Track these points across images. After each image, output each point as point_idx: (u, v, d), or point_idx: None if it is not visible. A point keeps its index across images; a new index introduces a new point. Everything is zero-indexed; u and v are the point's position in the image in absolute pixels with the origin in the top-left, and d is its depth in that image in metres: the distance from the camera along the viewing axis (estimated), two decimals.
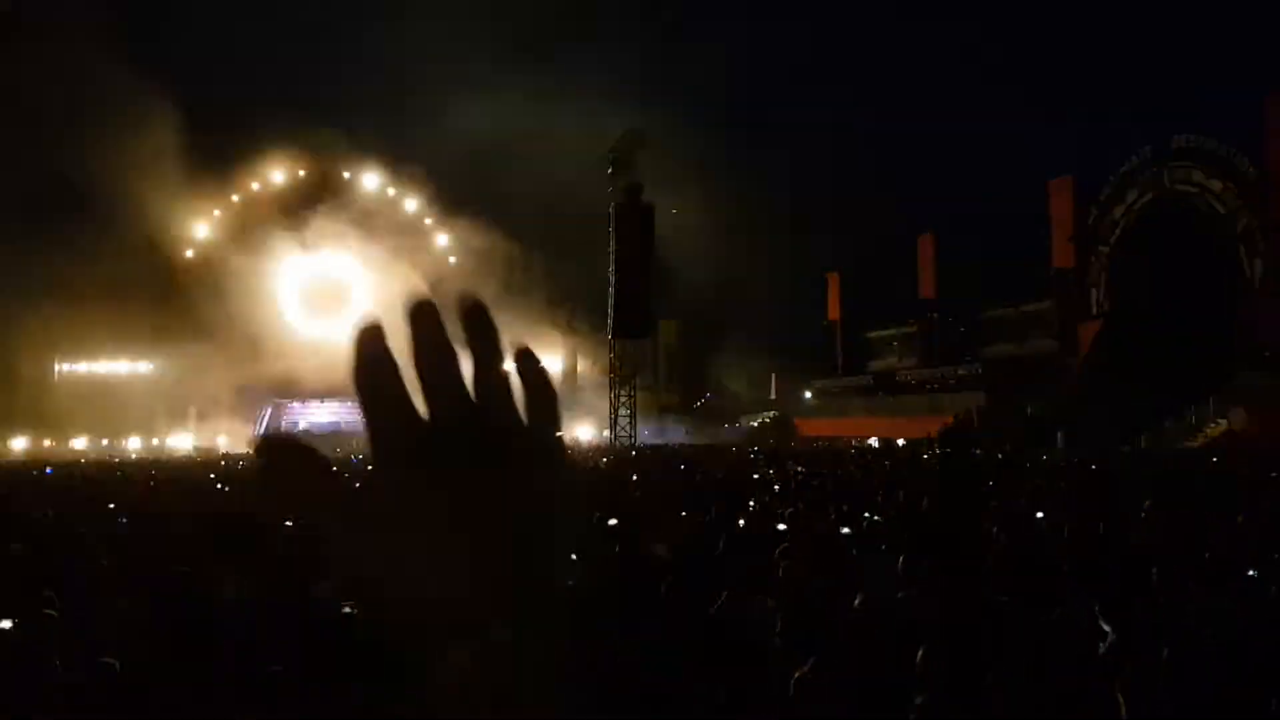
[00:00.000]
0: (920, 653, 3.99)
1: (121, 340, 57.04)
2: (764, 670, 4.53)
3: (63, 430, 53.20)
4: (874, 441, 46.53)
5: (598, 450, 44.16)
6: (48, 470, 28.70)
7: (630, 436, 54.04)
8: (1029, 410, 43.59)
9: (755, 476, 21.29)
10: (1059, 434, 35.28)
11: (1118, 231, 48.55)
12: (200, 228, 58.82)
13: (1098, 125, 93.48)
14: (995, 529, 9.02)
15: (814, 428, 56.10)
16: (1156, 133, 47.48)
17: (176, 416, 57.29)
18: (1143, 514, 10.33)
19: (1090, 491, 14.32)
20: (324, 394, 60.62)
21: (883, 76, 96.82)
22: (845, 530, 10.79)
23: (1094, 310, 49.37)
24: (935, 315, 59.86)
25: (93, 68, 47.00)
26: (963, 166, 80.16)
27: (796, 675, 4.24)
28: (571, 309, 62.33)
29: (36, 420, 53.82)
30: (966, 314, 57.92)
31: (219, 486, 20.74)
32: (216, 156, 57.30)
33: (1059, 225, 51.09)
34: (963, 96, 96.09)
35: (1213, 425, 37.26)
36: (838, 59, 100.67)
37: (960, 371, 54.40)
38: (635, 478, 22.06)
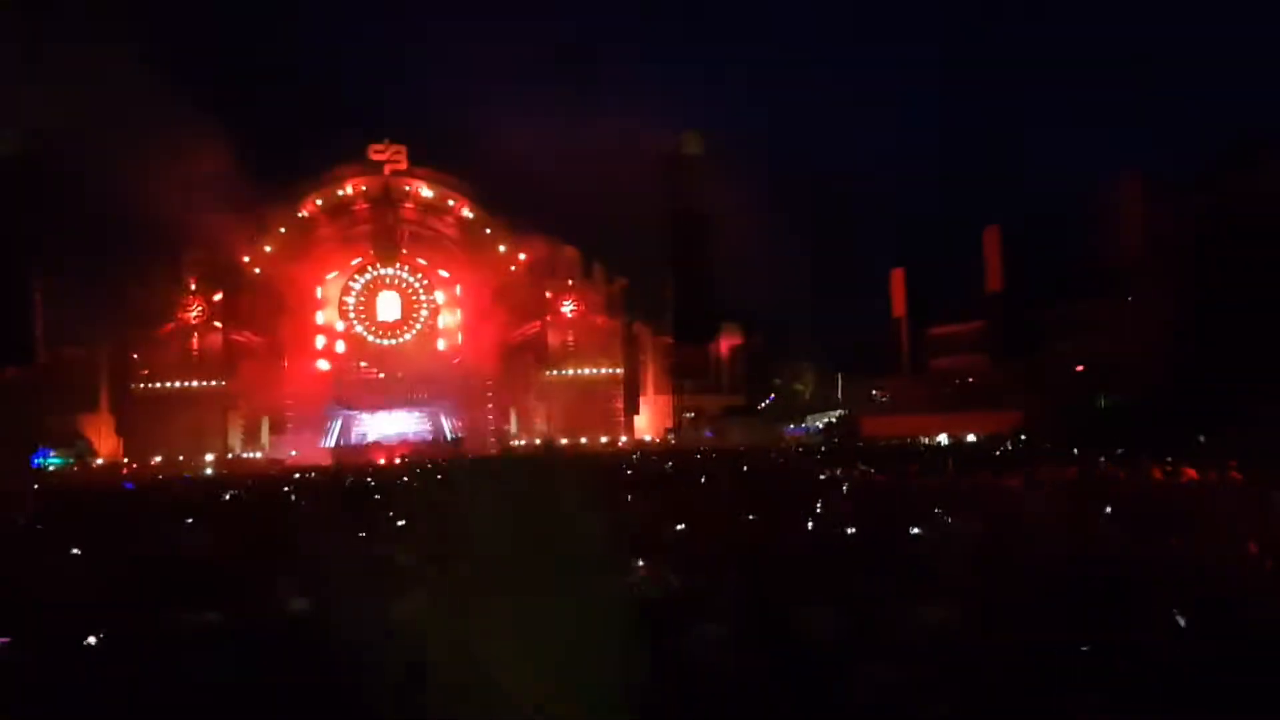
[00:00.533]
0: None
1: (195, 360, 58.35)
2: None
3: (141, 448, 54.48)
4: (943, 439, 46.02)
5: (662, 452, 44.22)
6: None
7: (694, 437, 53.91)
8: (1100, 404, 42.76)
9: (822, 477, 21.16)
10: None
11: (1188, 228, 47.39)
12: (266, 246, 59.86)
13: (1170, 121, 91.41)
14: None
15: (880, 426, 55.48)
16: (1229, 129, 46.29)
17: (250, 431, 58.44)
18: None
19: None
20: (391, 405, 61.48)
21: (948, 69, 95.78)
22: (916, 531, 10.70)
23: (1164, 308, 48.23)
24: (1001, 311, 58.93)
25: (154, 96, 48.12)
26: (1031, 160, 78.94)
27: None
28: (634, 314, 62.45)
29: (119, 438, 55.28)
30: (1035, 309, 56.92)
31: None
32: (279, 174, 58.30)
33: (1129, 220, 50.03)
34: (1031, 89, 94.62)
35: None
36: (900, 52, 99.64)
37: (1028, 367, 53.48)
38: (704, 480, 22.06)
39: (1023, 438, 40.08)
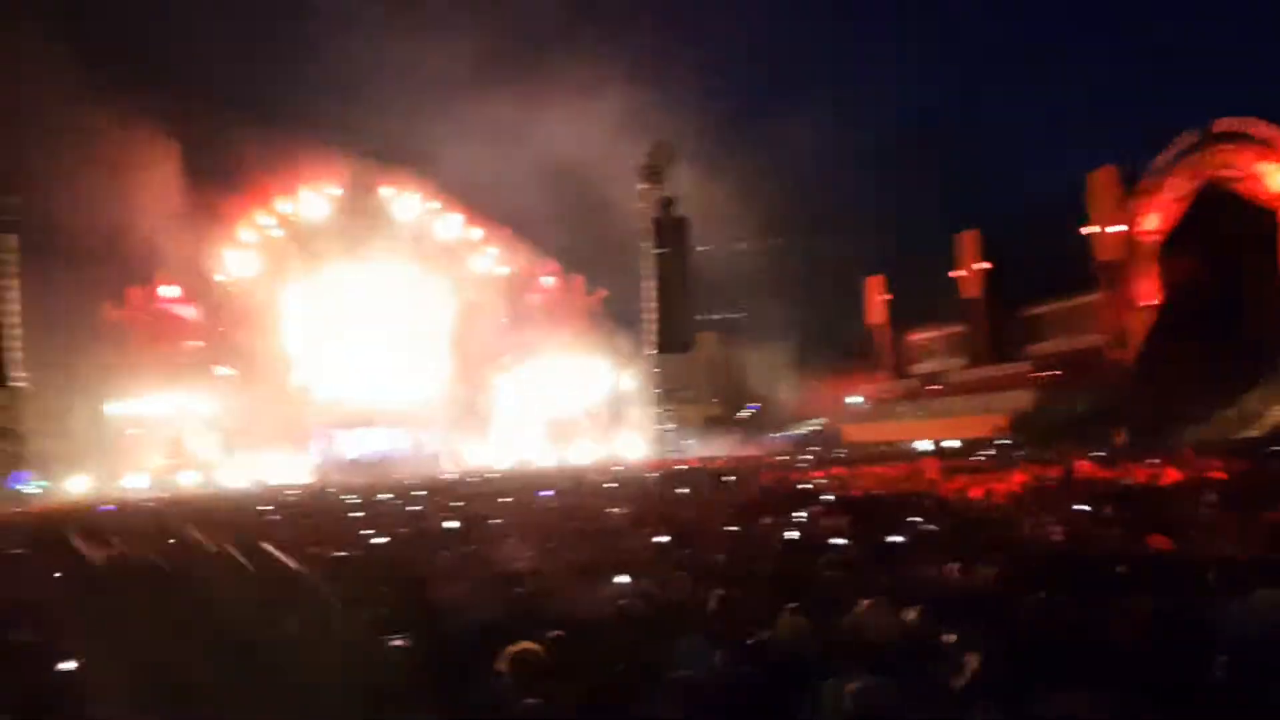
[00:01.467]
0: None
1: (168, 377, 57.81)
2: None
3: (115, 469, 53.95)
4: (926, 444, 46.09)
5: (645, 466, 44.11)
6: None
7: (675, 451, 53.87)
8: (1079, 406, 42.96)
9: (805, 486, 21.12)
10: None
11: (1163, 220, 47.75)
12: (237, 259, 59.44)
13: (1138, 113, 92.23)
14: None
15: (862, 433, 55.61)
16: (1199, 118, 46.53)
17: (228, 450, 57.95)
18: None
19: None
20: (372, 422, 61.09)
21: (918, 70, 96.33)
22: (896, 539, 10.64)
23: (1142, 302, 48.57)
24: (980, 314, 59.22)
25: (120, 113, 47.90)
26: (1002, 160, 79.33)
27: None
28: (612, 325, 62.42)
29: (91, 460, 54.70)
30: (1012, 311, 57.21)
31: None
32: (250, 190, 57.98)
33: (1103, 217, 50.33)
34: (999, 88, 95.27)
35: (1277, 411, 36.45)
36: (869, 56, 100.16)
37: (1008, 370, 53.79)
38: (687, 491, 21.99)
39: (1005, 441, 40.20)
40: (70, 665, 5.19)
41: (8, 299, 51.30)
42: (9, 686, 6.37)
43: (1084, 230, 51.06)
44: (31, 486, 50.23)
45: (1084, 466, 20.01)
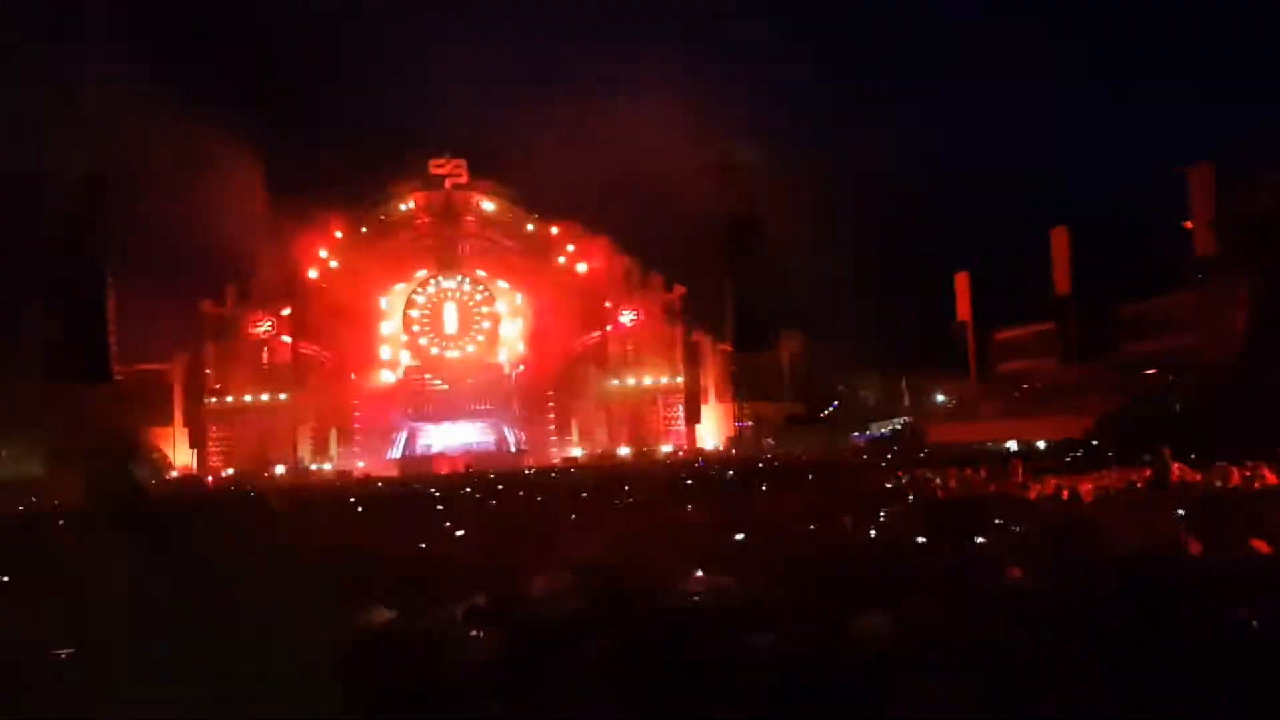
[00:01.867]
0: None
1: (264, 373, 59.37)
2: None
3: (212, 461, 55.61)
4: (1011, 445, 45.19)
5: (724, 463, 44.05)
6: None
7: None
8: (1175, 407, 41.70)
9: (888, 485, 20.91)
10: None
11: (1263, 218, 46.15)
12: (332, 261, 60.72)
13: (1239, 108, 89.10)
14: None
15: (946, 433, 54.71)
16: None
17: (318, 443, 59.37)
18: None
19: None
20: (455, 416, 62.08)
21: (1010, 63, 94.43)
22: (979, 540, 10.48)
23: (1240, 302, 47.00)
24: (1070, 312, 57.82)
25: (220, 113, 49.29)
26: (1097, 155, 77.20)
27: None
28: (693, 323, 62.37)
29: (192, 452, 56.48)
30: (1104, 309, 55.75)
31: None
32: (343, 189, 59.20)
33: (1200, 214, 48.82)
34: (1096, 82, 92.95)
35: None
36: (961, 48, 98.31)
37: (1100, 369, 52.42)
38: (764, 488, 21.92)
39: (1094, 442, 39.23)
40: None
41: (104, 296, 52.94)
42: None
43: (1181, 226, 49.60)
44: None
45: (1177, 469, 19.43)
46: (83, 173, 51.82)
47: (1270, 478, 16.45)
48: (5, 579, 11.34)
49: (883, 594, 6.56)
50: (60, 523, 22.18)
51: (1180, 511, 11.80)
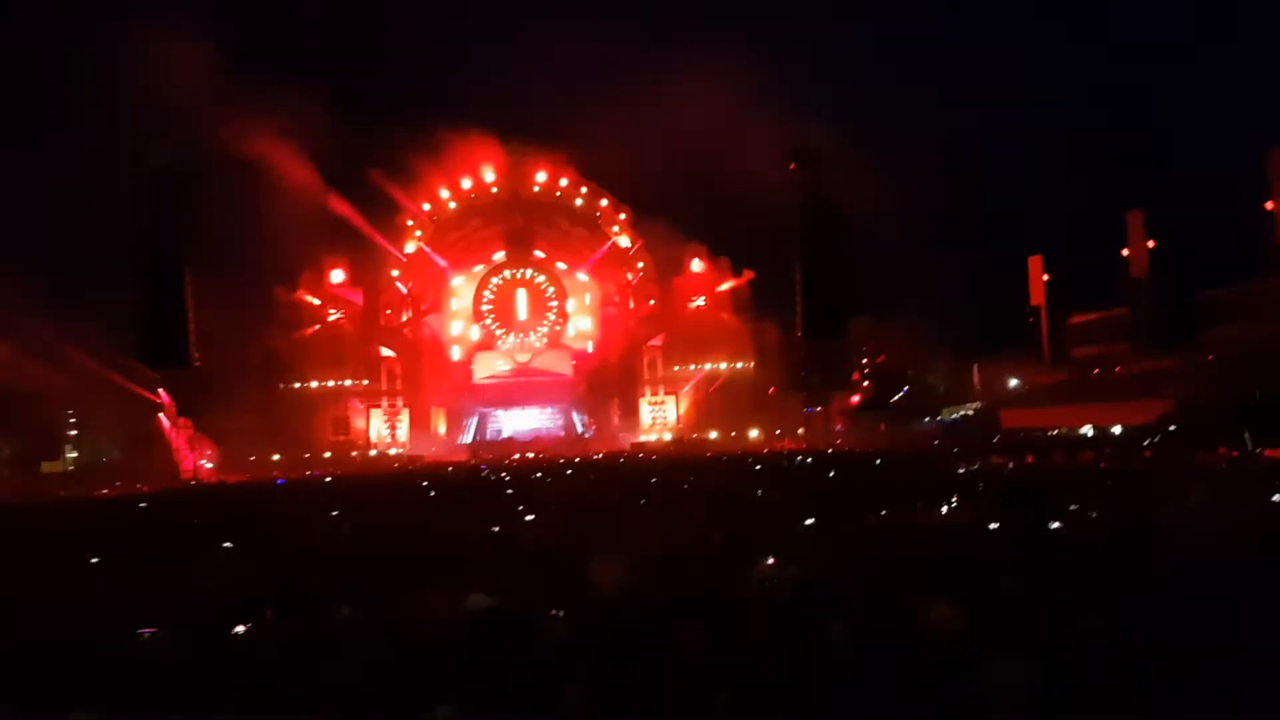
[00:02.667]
0: None
1: (338, 360, 60.26)
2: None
3: (288, 447, 56.58)
4: (1087, 430, 44.42)
5: (793, 449, 43.92)
6: None
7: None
8: (1256, 394, 40.58)
9: (960, 471, 20.73)
10: None
11: None
12: (405, 247, 61.40)
13: None
14: None
15: (1019, 419, 53.88)
16: None
17: (392, 428, 60.21)
18: None
19: None
20: (524, 402, 62.59)
21: (1088, 43, 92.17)
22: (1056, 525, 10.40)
23: None
24: (1147, 297, 56.59)
25: (295, 104, 50.15)
26: (1174, 136, 75.01)
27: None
28: (761, 309, 62.01)
29: (268, 436, 57.51)
30: (1181, 295, 54.45)
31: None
32: (415, 178, 59.73)
33: None
34: (1172, 60, 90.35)
35: None
36: (1037, 27, 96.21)
37: (1177, 355, 51.22)
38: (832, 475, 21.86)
39: (1172, 428, 38.41)
40: None
41: (183, 284, 54.08)
42: None
43: (1262, 210, 48.21)
44: (204, 461, 53.12)
45: (1255, 456, 19.00)
46: (161, 162, 53.02)
47: None
48: (95, 560, 11.81)
49: (952, 579, 6.58)
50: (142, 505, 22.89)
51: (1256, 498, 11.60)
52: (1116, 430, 39.83)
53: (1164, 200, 57.66)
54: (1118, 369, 55.90)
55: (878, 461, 26.23)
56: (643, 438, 59.46)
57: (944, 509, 12.49)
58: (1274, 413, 35.49)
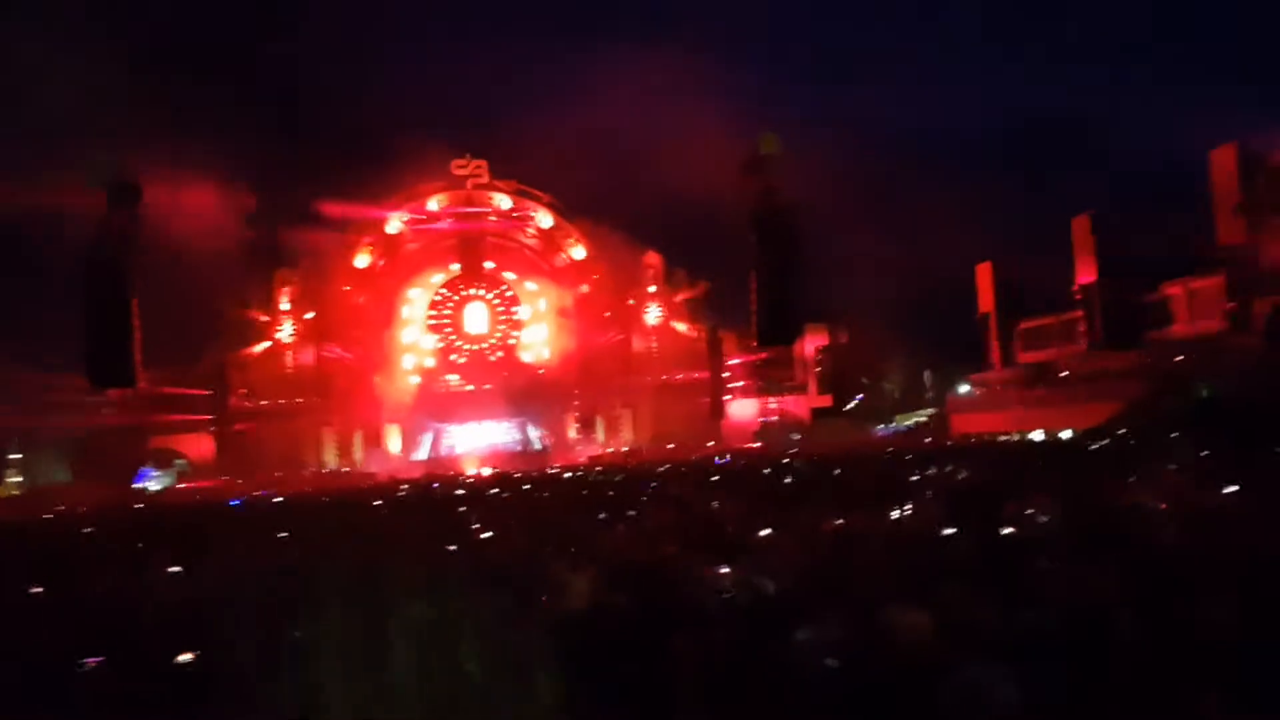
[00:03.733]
0: None
1: (288, 378, 59.67)
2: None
3: (238, 466, 55.86)
4: (1038, 434, 44.97)
5: (752, 458, 43.96)
6: None
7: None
8: (1203, 395, 41.32)
9: (914, 478, 20.79)
10: None
11: None
12: (355, 262, 60.96)
13: (1262, 86, 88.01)
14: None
15: (971, 424, 54.54)
16: None
17: (343, 446, 59.67)
18: None
19: None
20: (479, 416, 62.25)
21: (1024, 43, 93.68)
22: (1009, 531, 10.43)
23: (1266, 286, 46.52)
24: (1094, 300, 57.41)
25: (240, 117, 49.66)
26: (1117, 140, 76.28)
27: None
28: (717, 318, 62.28)
29: (217, 457, 56.69)
30: (1128, 297, 55.32)
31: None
32: (364, 193, 59.39)
33: (1224, 197, 48.32)
34: (1113, 63, 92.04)
35: None
36: (983, 36, 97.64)
37: (1125, 357, 52.05)
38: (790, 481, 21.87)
39: (1121, 431, 38.97)
40: None
41: (129, 303, 53.14)
42: None
43: (1205, 211, 49.11)
44: (154, 482, 52.42)
45: (1203, 459, 19.26)
46: (101, 179, 52.16)
47: None
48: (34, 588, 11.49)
49: (912, 587, 6.55)
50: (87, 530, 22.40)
51: (1207, 500, 11.71)
52: (1066, 435, 40.33)
53: (1112, 203, 58.55)
54: (1062, 374, 56.71)
55: (835, 471, 26.25)
56: (600, 449, 59.40)
57: (898, 514, 12.51)
58: (1217, 412, 36.18)
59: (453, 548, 12.82)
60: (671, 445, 58.28)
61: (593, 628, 6.56)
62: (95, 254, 53.46)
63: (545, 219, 62.85)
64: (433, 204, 62.55)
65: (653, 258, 62.20)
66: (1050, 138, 76.48)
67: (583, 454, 58.16)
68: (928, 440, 48.33)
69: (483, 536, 13.93)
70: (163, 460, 54.54)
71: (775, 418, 60.30)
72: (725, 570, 8.22)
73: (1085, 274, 57.83)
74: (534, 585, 8.16)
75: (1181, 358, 47.79)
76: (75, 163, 50.79)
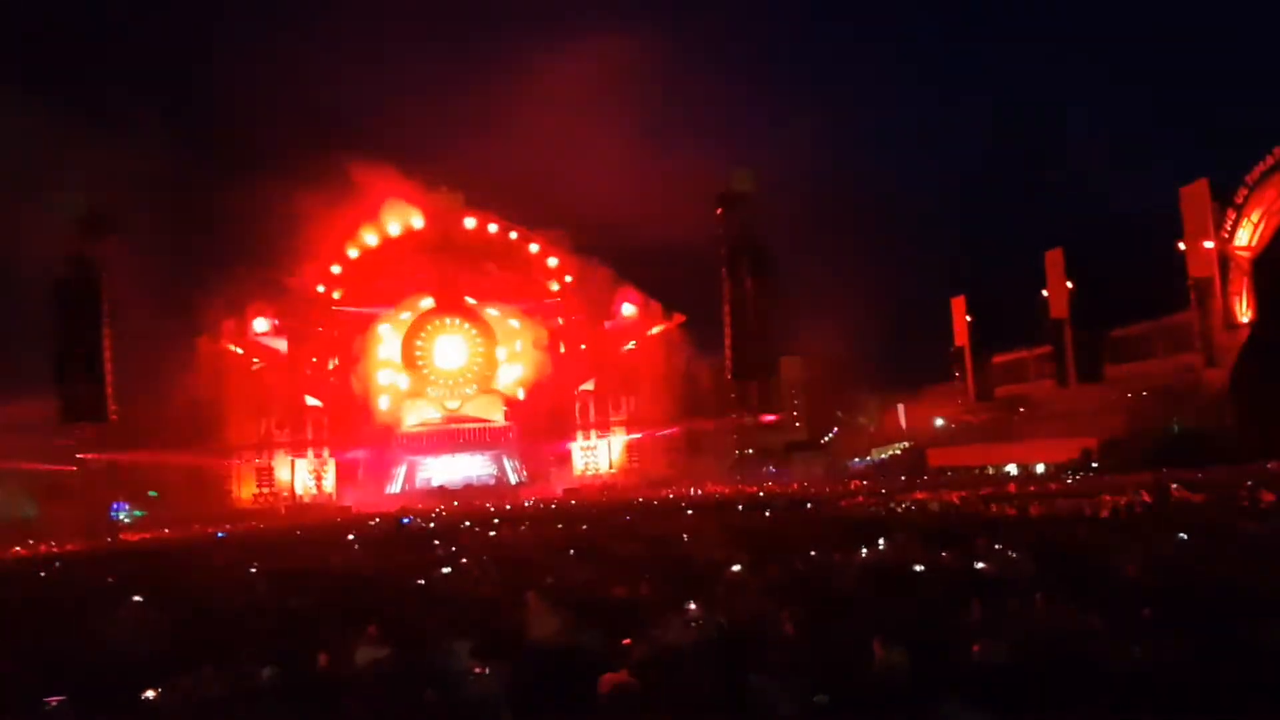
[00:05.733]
0: None
1: (263, 409, 59.25)
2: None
3: (213, 498, 55.36)
4: (1011, 468, 45.15)
5: (724, 493, 43.91)
6: None
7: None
8: (1173, 428, 41.65)
9: (884, 512, 20.83)
10: None
11: (1258, 235, 46.12)
12: (333, 294, 60.70)
13: (1232, 125, 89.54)
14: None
15: (946, 457, 54.62)
16: None
17: (318, 477, 59.16)
18: None
19: None
20: (456, 448, 61.66)
21: (1001, 85, 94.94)
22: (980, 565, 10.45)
23: (1236, 320, 46.92)
24: (1067, 334, 57.80)
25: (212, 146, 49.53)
26: (1089, 177, 77.34)
27: None
28: (693, 351, 62.24)
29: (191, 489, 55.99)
30: (1100, 331, 55.71)
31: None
32: (339, 224, 59.18)
33: (1195, 233, 48.79)
34: (1086, 102, 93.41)
35: None
36: (954, 75, 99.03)
37: (1097, 391, 52.36)
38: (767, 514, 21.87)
39: (1094, 465, 39.18)
40: None
41: (101, 336, 52.75)
42: None
43: (1175, 247, 49.53)
44: (125, 515, 51.75)
45: (1177, 491, 19.41)
46: (75, 211, 51.88)
47: (1268, 496, 16.43)
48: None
49: (889, 623, 6.53)
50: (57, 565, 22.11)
51: (1182, 535, 11.77)
52: (1040, 469, 40.54)
53: (1082, 240, 59.17)
54: (1036, 407, 56.94)
55: (807, 505, 26.29)
56: (575, 483, 59.08)
57: (870, 551, 12.52)
58: (1187, 446, 36.44)
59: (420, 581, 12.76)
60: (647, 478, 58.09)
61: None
62: (65, 287, 53.33)
63: (522, 251, 62.82)
64: (407, 236, 62.33)
65: (629, 291, 62.24)
66: (1023, 173, 77.42)
67: (559, 487, 57.83)
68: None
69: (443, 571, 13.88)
70: (135, 492, 53.86)
71: (750, 450, 60.13)
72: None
73: (1057, 308, 58.24)
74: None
75: (1150, 393, 48.06)
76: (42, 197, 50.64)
